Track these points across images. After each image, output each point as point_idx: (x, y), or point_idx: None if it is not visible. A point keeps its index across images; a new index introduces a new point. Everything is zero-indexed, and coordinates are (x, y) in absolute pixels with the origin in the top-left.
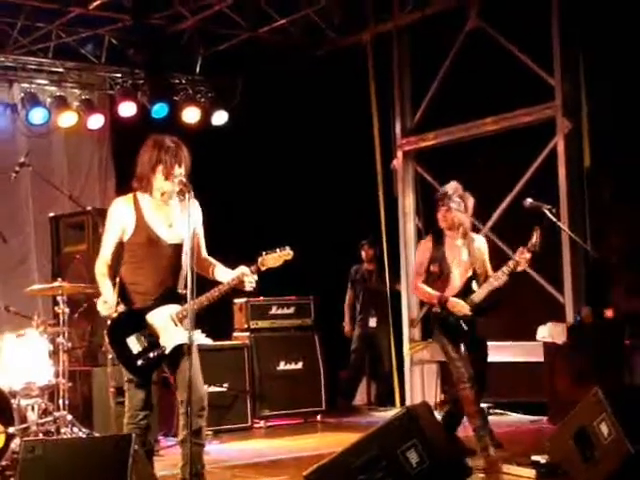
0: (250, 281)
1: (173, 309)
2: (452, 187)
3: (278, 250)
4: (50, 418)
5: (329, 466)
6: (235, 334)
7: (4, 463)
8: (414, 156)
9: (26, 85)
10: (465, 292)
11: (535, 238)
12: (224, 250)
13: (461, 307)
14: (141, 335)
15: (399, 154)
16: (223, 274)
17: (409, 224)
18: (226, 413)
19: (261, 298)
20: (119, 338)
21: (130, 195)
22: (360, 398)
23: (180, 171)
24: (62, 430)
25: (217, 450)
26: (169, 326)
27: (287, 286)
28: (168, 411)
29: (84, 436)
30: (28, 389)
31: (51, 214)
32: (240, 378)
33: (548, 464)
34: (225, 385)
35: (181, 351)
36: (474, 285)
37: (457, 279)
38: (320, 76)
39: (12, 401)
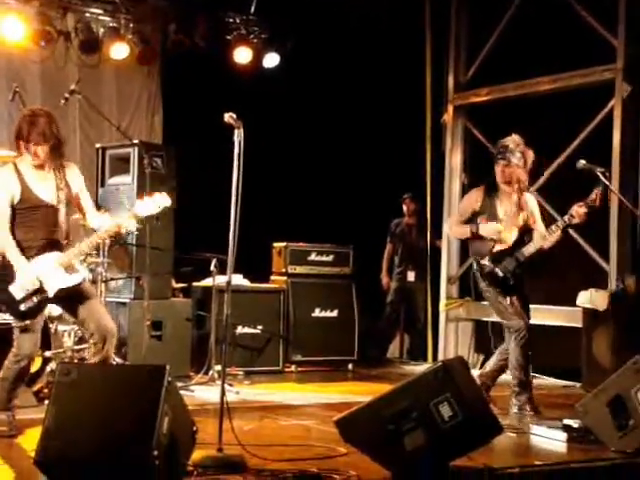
0: (127, 227)
1: (55, 256)
2: (514, 140)
3: (153, 197)
4: (85, 345)
5: (359, 413)
6: (273, 277)
7: (39, 385)
8: (465, 112)
9: (80, 14)
10: (516, 248)
11: (595, 195)
12: (269, 189)
13: (495, 230)
14: (23, 282)
15: (450, 109)
16: (97, 221)
17: (455, 180)
18: (258, 355)
19: (301, 243)
20: (2, 287)
21: (10, 164)
22: (392, 351)
23: (43, 147)
24: None
25: (247, 391)
26: (52, 271)
27: (327, 233)
28: (200, 349)
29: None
30: (65, 315)
31: (98, 145)
32: (274, 322)
33: (580, 429)
34: (259, 327)
35: (70, 293)
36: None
37: (508, 234)
38: (375, 26)
39: (50, 326)
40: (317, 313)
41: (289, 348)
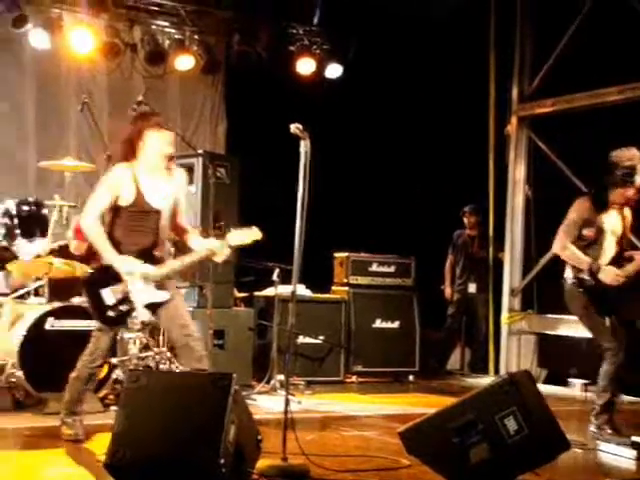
0: (220, 255)
1: (146, 269)
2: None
3: (246, 229)
4: (150, 353)
5: (424, 425)
6: (334, 288)
7: (105, 391)
8: (529, 123)
9: (146, 26)
10: (617, 263)
11: None
12: (332, 202)
13: (615, 276)
14: (115, 289)
15: (513, 120)
16: (195, 243)
17: (518, 193)
18: (320, 365)
19: (362, 254)
20: (94, 289)
21: (127, 164)
22: (453, 363)
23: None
24: (160, 366)
25: (309, 401)
26: (141, 284)
27: (389, 245)
28: (261, 359)
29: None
30: (131, 323)
31: None
32: (336, 332)
33: None
34: (321, 337)
35: (157, 307)
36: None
37: (612, 249)
38: (439, 36)
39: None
40: (378, 324)
41: (350, 358)
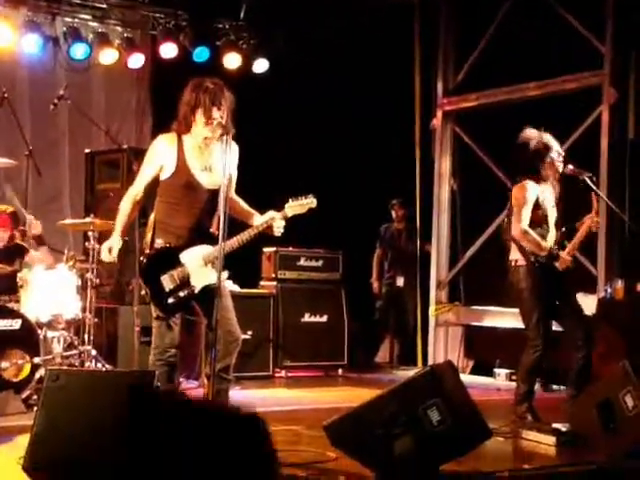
0: (278, 226)
1: (205, 249)
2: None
3: (303, 198)
4: (75, 352)
5: (349, 418)
6: (262, 283)
7: (28, 392)
8: (454, 117)
9: (69, 19)
10: (562, 235)
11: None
12: (255, 196)
13: (569, 261)
14: (173, 273)
15: (439, 114)
16: (249, 215)
17: (444, 186)
18: (248, 360)
19: (290, 248)
20: (153, 275)
21: (174, 134)
22: (382, 356)
23: (219, 114)
24: (86, 364)
25: (238, 396)
26: (200, 266)
27: (316, 239)
28: (190, 354)
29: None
30: (55, 322)
31: (87, 150)
32: (264, 327)
33: (569, 432)
34: (249, 333)
35: (211, 292)
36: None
37: (553, 229)
38: (364, 31)
39: (39, 332)
40: (307, 318)
41: (279, 353)
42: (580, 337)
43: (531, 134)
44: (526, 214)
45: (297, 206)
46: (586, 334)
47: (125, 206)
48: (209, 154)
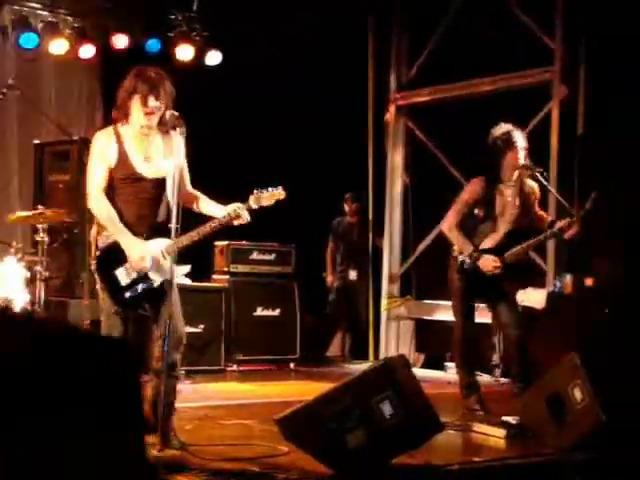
0: (243, 218)
1: (163, 243)
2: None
3: (271, 189)
4: None
5: (301, 412)
6: (214, 276)
7: None
8: (407, 111)
9: (17, 8)
10: (520, 235)
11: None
12: (209, 188)
13: (492, 266)
14: (128, 266)
15: (392, 108)
16: (212, 208)
17: (396, 180)
18: (200, 354)
19: (243, 242)
20: (107, 270)
21: (110, 128)
22: (334, 350)
23: (157, 104)
24: None
25: (189, 390)
26: (158, 260)
27: (269, 232)
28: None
29: None
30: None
31: (36, 141)
32: (216, 321)
33: (518, 425)
34: (201, 326)
35: (164, 286)
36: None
37: (503, 229)
38: (318, 25)
39: None
40: (259, 312)
41: (230, 347)
42: (512, 335)
43: (495, 130)
44: (460, 210)
45: (263, 197)
46: (519, 337)
47: (107, 209)
48: (149, 144)
